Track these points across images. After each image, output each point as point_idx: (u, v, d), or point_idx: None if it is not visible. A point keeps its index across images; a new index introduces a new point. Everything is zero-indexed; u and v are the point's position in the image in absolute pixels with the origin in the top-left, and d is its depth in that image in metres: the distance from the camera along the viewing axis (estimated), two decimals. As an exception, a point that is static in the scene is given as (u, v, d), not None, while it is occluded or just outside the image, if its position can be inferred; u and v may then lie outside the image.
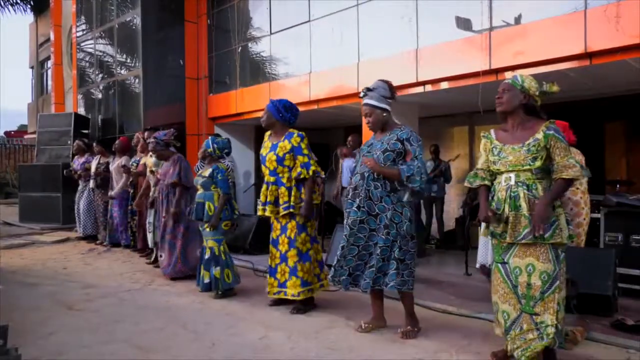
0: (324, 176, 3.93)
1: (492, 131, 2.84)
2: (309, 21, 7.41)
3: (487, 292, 4.37)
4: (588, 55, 4.60)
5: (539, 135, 2.59)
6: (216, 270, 4.29)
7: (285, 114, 3.92)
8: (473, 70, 5.38)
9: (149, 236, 5.83)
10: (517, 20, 5.16)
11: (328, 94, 7.13)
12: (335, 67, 6.98)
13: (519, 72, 5.08)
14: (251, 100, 8.41)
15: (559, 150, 2.56)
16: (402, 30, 6.10)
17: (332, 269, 3.36)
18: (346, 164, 6.90)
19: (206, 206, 4.38)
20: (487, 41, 5.28)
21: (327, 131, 10.44)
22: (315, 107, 7.37)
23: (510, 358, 2.74)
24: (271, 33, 8.17)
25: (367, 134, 6.67)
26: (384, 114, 3.33)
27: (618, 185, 5.70)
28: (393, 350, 3.08)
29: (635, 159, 7.15)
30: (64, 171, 7.96)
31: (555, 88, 2.69)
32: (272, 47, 8.20)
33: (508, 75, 5.22)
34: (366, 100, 3.36)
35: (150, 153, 5.59)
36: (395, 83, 3.56)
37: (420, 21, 5.94)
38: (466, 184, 2.92)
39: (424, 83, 5.90)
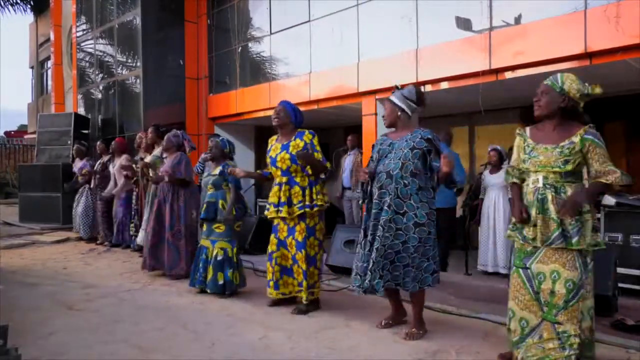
0: (324, 177, 3.92)
1: (527, 129, 2.72)
2: (309, 21, 7.41)
3: (487, 293, 4.40)
4: (588, 55, 4.60)
5: (576, 139, 2.48)
6: (230, 272, 4.29)
7: (298, 117, 3.97)
8: (473, 70, 5.39)
9: (140, 234, 5.81)
10: (517, 20, 5.16)
11: (328, 94, 7.13)
12: (335, 67, 6.98)
13: (518, 72, 5.14)
14: (251, 100, 8.42)
15: (598, 156, 2.45)
16: (402, 30, 6.10)
17: (367, 273, 3.18)
18: (347, 164, 6.90)
19: (219, 205, 4.37)
20: (487, 41, 5.27)
21: (327, 131, 10.44)
22: (315, 107, 7.37)
23: None
24: (271, 33, 8.17)
25: (367, 134, 6.68)
26: (399, 113, 3.36)
27: (618, 185, 5.70)
28: (393, 350, 3.08)
29: (635, 159, 7.15)
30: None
31: (598, 90, 2.53)
32: (272, 47, 8.20)
33: (508, 75, 5.24)
34: (389, 97, 3.44)
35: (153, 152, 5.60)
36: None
37: (420, 21, 5.94)
38: (505, 181, 2.95)
39: (424, 83, 5.90)
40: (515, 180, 2.73)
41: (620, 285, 3.97)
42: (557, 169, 2.49)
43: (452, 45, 5.60)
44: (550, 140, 2.55)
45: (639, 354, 3.00)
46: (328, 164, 3.84)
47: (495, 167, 5.43)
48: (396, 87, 3.45)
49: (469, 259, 5.39)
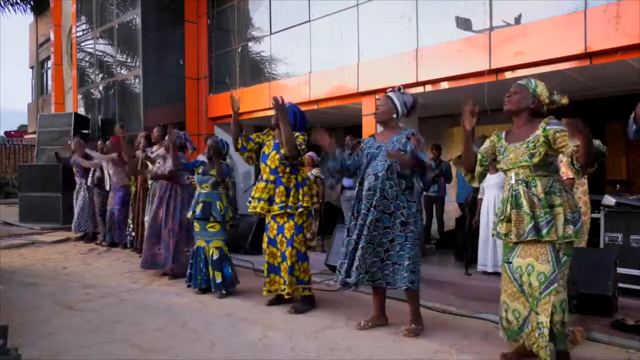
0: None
1: (503, 132, 2.87)
2: (309, 21, 7.42)
3: (487, 293, 4.39)
4: (588, 55, 4.61)
5: (539, 131, 2.60)
6: (229, 269, 4.36)
7: (299, 121, 3.97)
8: (473, 70, 5.39)
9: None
10: (517, 20, 5.17)
11: (328, 94, 7.13)
12: (335, 67, 6.98)
13: (518, 72, 5.15)
14: (251, 100, 8.41)
15: (563, 142, 2.48)
16: (402, 30, 6.11)
17: (351, 271, 3.28)
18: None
19: (216, 205, 4.39)
20: (487, 41, 5.28)
21: (327, 131, 10.45)
22: (315, 107, 7.38)
23: (523, 357, 2.75)
24: (271, 33, 8.17)
25: (367, 134, 6.67)
26: (393, 114, 3.42)
27: (618, 185, 5.70)
28: (393, 350, 3.08)
29: (635, 159, 7.16)
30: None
31: (564, 100, 2.73)
32: (272, 47, 8.21)
33: (508, 75, 5.23)
34: (389, 93, 3.47)
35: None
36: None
37: (420, 21, 5.94)
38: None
39: (424, 83, 5.90)
40: (476, 151, 2.94)
41: (620, 285, 3.97)
42: (524, 163, 2.62)
43: (452, 45, 5.60)
44: (518, 138, 2.71)
45: (639, 353, 3.01)
46: (299, 141, 3.80)
47: (494, 167, 5.42)
48: (399, 89, 3.49)
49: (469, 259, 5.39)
